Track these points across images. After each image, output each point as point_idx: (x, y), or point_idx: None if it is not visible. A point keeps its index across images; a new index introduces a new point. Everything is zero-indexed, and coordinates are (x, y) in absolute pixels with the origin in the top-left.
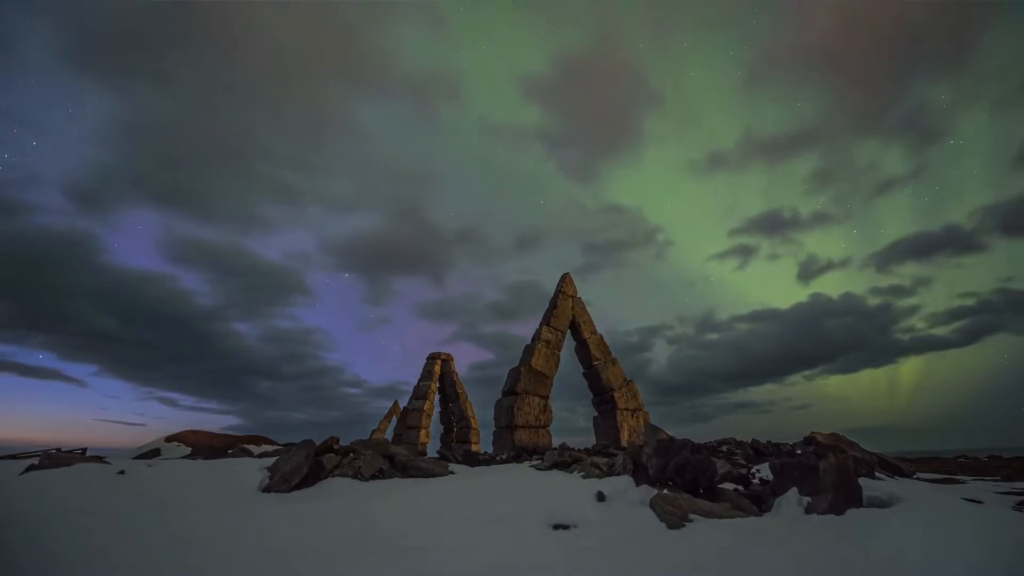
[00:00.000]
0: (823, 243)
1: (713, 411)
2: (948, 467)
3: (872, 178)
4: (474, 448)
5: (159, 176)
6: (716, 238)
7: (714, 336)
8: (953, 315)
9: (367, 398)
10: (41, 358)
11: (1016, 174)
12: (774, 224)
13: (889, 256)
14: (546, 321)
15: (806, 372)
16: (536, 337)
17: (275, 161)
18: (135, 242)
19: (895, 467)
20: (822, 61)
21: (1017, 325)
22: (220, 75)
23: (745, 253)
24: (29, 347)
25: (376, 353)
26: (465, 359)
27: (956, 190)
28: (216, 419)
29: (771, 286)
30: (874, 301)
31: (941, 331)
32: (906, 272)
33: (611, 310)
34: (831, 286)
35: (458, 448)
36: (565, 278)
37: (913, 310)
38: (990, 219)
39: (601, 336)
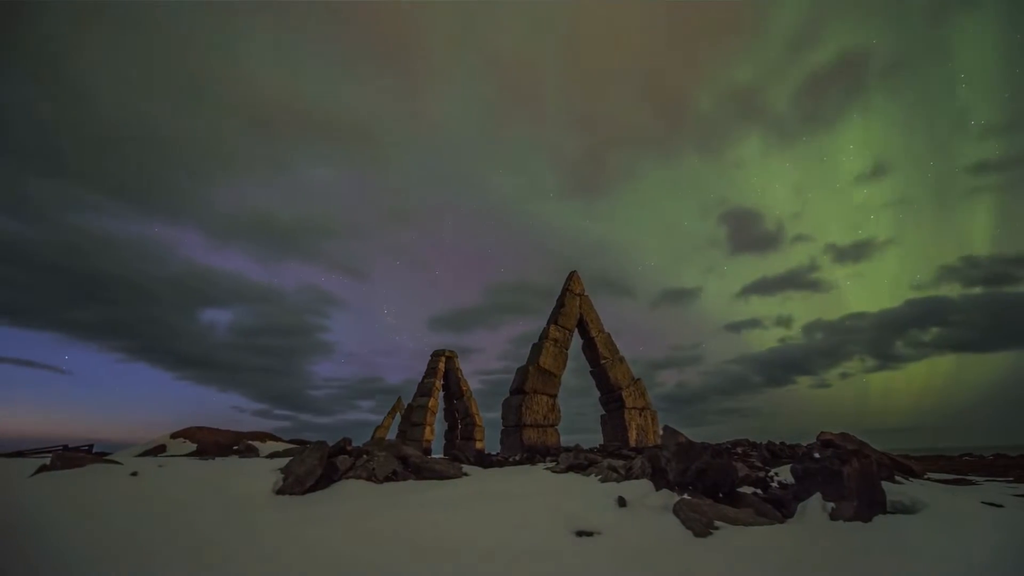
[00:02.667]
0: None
1: (709, 415)
2: (955, 466)
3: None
4: (479, 446)
5: None
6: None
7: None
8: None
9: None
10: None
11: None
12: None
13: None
14: (554, 319)
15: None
16: (544, 336)
17: None
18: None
19: (906, 467)
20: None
21: None
22: None
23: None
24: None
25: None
26: None
27: None
28: (270, 423)
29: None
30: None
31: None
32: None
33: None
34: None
35: (469, 448)
36: (572, 276)
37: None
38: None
39: (609, 334)
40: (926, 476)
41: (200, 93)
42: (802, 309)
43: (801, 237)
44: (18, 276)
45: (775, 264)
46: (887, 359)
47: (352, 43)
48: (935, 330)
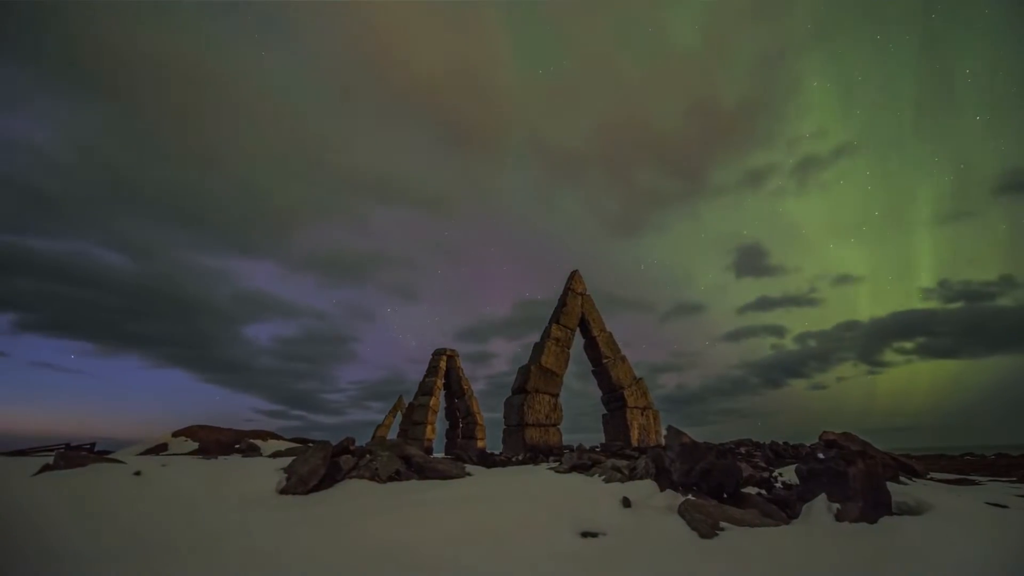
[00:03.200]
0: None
1: (709, 416)
2: (957, 466)
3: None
4: (480, 444)
5: None
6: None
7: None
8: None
9: None
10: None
11: None
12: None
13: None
14: (556, 319)
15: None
16: (546, 335)
17: None
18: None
19: (908, 467)
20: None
21: None
22: None
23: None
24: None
25: None
26: None
27: None
28: (284, 423)
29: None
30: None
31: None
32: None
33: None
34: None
35: (472, 447)
36: (574, 275)
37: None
38: None
39: (610, 333)
40: (928, 476)
41: (308, 161)
42: (797, 322)
43: (798, 268)
44: (101, 298)
45: (775, 287)
46: (876, 364)
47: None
48: (921, 339)
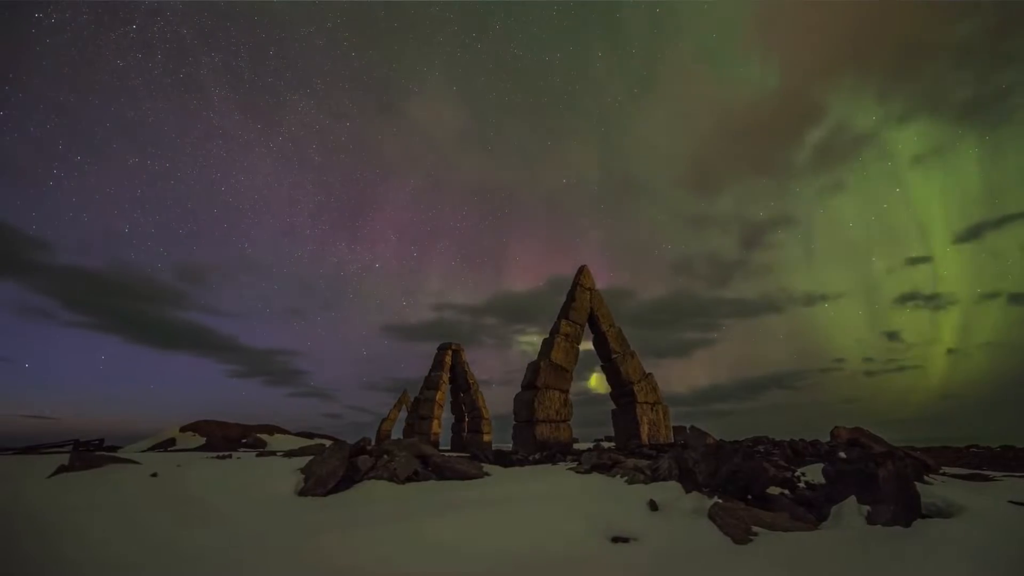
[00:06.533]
0: None
1: (701, 416)
2: (965, 459)
3: None
4: (486, 439)
5: None
6: None
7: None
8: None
9: None
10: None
11: None
12: None
13: None
14: (564, 315)
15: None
16: (555, 331)
17: None
18: None
19: (922, 463)
20: None
21: None
22: None
23: None
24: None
25: None
26: None
27: None
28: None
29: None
30: None
31: None
32: None
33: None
34: None
35: (487, 446)
36: (583, 270)
37: None
38: None
39: (620, 329)
40: (941, 471)
41: None
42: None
43: None
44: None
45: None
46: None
47: None
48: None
